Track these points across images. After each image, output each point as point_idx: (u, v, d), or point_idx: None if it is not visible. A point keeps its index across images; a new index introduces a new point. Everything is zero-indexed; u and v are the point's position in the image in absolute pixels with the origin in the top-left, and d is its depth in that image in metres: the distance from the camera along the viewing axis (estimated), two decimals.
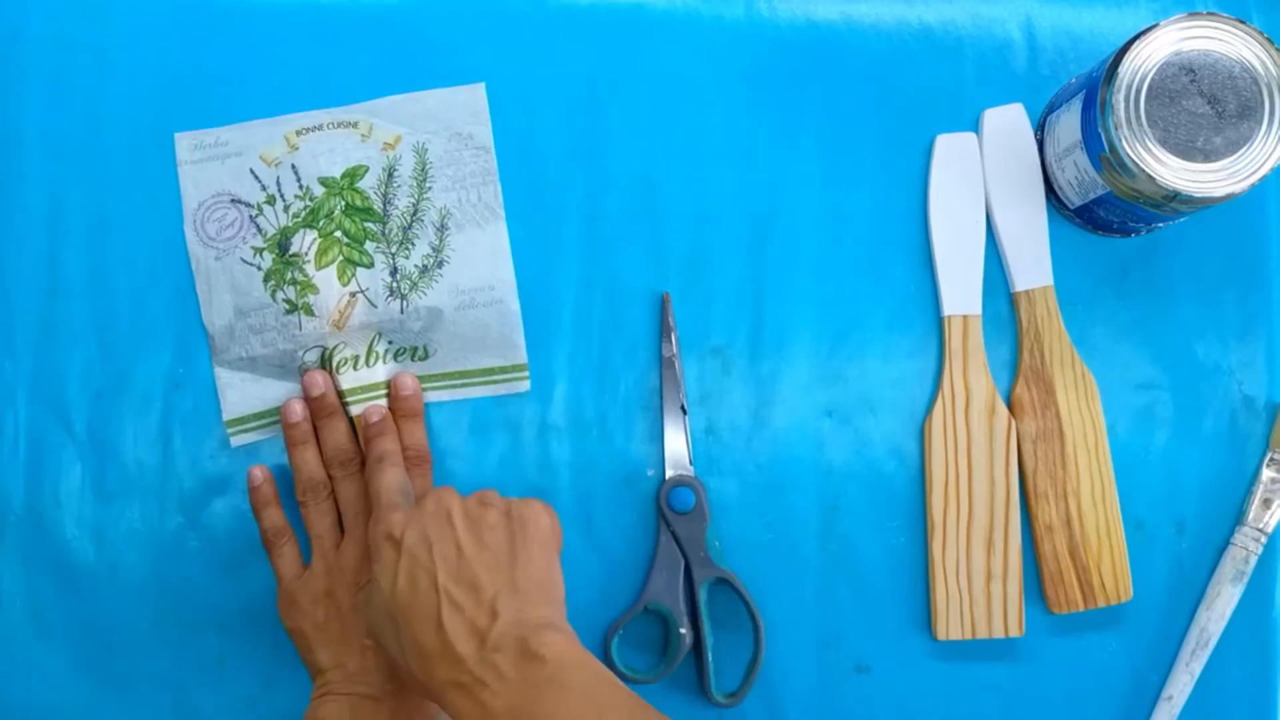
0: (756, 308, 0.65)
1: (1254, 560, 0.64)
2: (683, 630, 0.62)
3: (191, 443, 0.64)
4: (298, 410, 0.62)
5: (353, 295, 0.63)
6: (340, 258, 0.63)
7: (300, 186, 0.64)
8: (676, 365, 0.64)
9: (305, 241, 0.63)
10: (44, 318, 0.64)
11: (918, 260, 0.65)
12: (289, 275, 0.63)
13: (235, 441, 0.64)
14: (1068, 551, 0.64)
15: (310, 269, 0.63)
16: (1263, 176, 0.55)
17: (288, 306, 0.63)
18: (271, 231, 0.64)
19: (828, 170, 0.65)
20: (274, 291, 0.63)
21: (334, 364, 0.63)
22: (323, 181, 0.63)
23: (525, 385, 0.64)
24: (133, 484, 0.64)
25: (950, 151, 0.65)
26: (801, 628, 0.64)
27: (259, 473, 0.63)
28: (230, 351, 0.64)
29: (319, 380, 0.62)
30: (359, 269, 0.63)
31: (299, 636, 0.60)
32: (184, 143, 0.64)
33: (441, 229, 0.64)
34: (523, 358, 0.64)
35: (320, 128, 0.64)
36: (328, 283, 0.63)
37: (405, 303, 0.63)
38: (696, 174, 0.65)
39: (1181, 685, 0.64)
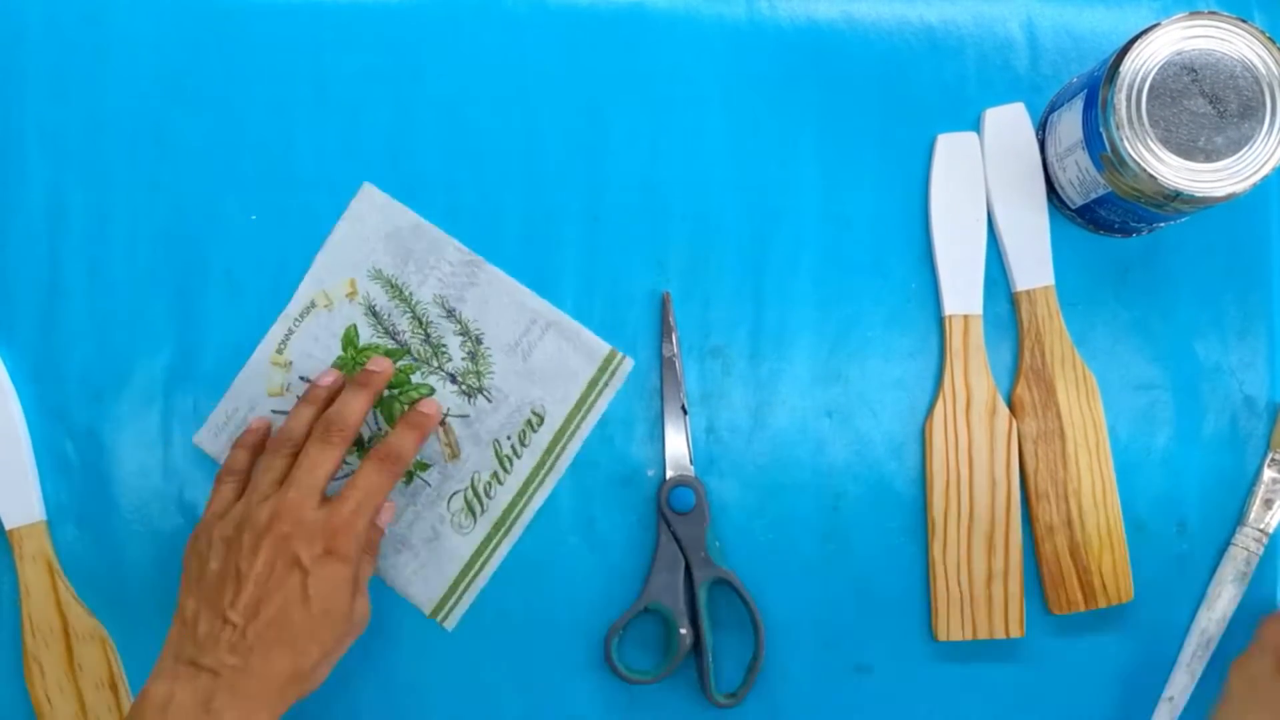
0: (756, 308, 0.65)
1: (1255, 561, 0.64)
2: (683, 630, 0.62)
3: (191, 443, 0.64)
4: (329, 378, 0.62)
5: (442, 424, 0.63)
6: (408, 406, 0.63)
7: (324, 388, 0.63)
8: (677, 365, 0.64)
9: (377, 422, 0.63)
10: (44, 317, 0.64)
11: (918, 260, 0.65)
12: None
13: (448, 624, 0.63)
14: (1069, 552, 0.63)
15: None
16: (1264, 176, 0.55)
17: (405, 479, 0.63)
18: None
19: (828, 170, 0.65)
20: None
21: (487, 495, 0.63)
22: (338, 364, 0.63)
23: (630, 362, 0.63)
24: (132, 484, 0.64)
25: (951, 151, 0.65)
26: (801, 628, 0.64)
27: (261, 424, 0.62)
28: (391, 535, 0.63)
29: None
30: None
31: (185, 571, 0.58)
32: (214, 419, 0.63)
33: (450, 313, 0.63)
34: (606, 346, 0.63)
35: (292, 333, 0.63)
36: None
37: (485, 393, 0.63)
38: (696, 174, 0.65)
39: (1182, 686, 0.64)
